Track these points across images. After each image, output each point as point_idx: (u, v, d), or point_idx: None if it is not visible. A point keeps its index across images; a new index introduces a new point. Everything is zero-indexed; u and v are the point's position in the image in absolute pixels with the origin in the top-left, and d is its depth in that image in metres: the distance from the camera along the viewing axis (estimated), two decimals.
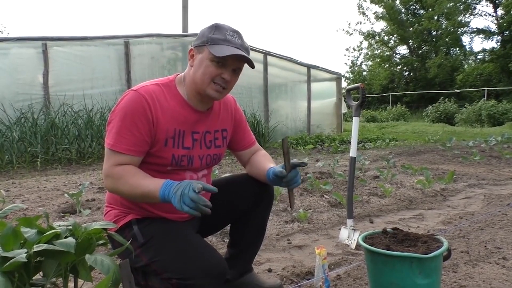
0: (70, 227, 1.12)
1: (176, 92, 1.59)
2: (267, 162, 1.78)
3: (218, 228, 1.99)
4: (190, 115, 1.60)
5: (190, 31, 10.23)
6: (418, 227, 3.05)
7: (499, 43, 27.26)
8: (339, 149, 8.63)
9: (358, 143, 7.98)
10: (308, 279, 2.05)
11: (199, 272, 1.39)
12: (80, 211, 3.33)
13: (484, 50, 29.27)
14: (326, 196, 3.95)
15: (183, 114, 1.58)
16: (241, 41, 1.55)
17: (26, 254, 0.94)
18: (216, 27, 1.54)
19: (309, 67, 11.87)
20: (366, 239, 1.74)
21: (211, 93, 1.55)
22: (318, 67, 12.26)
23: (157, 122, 1.50)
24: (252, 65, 1.56)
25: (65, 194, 3.49)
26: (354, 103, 2.77)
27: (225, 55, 1.47)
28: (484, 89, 21.47)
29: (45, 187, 4.51)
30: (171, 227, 1.48)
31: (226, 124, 1.76)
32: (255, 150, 1.90)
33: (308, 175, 4.80)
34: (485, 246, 2.51)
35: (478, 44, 52.05)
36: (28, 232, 1.04)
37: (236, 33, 1.55)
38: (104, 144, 1.50)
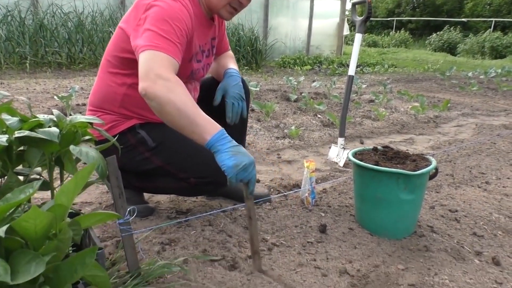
0: (54, 118, 1.08)
1: (198, 5, 1.52)
2: (230, 63, 1.80)
3: None
4: (207, 29, 1.59)
5: None
6: (407, 150, 3.08)
7: None
8: (336, 72, 8.46)
9: (357, 67, 7.79)
10: (295, 191, 2.10)
11: (215, 170, 1.40)
12: (70, 115, 3.29)
13: None
14: (319, 116, 3.94)
15: (204, 29, 1.56)
16: None
17: (6, 139, 0.90)
18: None
19: None
20: (355, 154, 1.75)
21: (223, 14, 1.53)
22: None
23: (190, 39, 1.46)
24: None
25: (55, 97, 3.42)
26: (358, 18, 2.63)
27: None
28: (492, 20, 20.69)
29: (34, 89, 4.41)
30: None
31: (216, 30, 1.72)
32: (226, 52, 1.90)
33: (303, 94, 4.75)
34: (470, 171, 2.56)
35: None
36: (10, 120, 1.00)
37: None
38: (138, 47, 1.29)
